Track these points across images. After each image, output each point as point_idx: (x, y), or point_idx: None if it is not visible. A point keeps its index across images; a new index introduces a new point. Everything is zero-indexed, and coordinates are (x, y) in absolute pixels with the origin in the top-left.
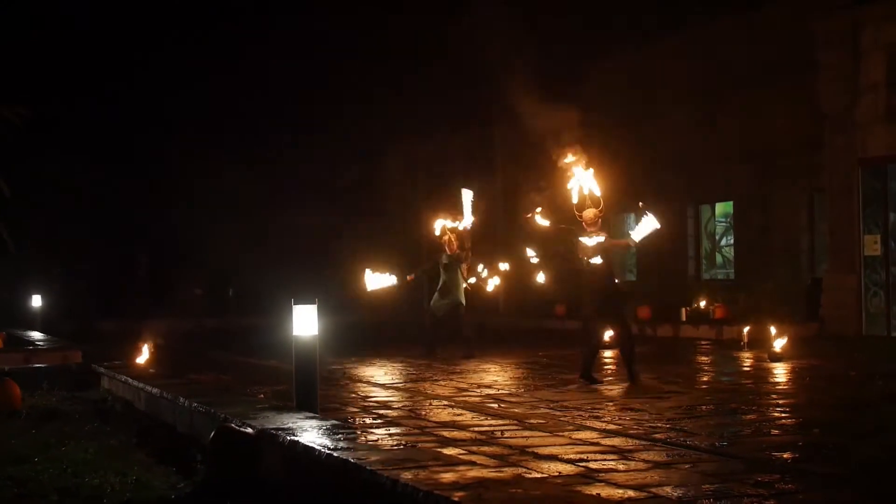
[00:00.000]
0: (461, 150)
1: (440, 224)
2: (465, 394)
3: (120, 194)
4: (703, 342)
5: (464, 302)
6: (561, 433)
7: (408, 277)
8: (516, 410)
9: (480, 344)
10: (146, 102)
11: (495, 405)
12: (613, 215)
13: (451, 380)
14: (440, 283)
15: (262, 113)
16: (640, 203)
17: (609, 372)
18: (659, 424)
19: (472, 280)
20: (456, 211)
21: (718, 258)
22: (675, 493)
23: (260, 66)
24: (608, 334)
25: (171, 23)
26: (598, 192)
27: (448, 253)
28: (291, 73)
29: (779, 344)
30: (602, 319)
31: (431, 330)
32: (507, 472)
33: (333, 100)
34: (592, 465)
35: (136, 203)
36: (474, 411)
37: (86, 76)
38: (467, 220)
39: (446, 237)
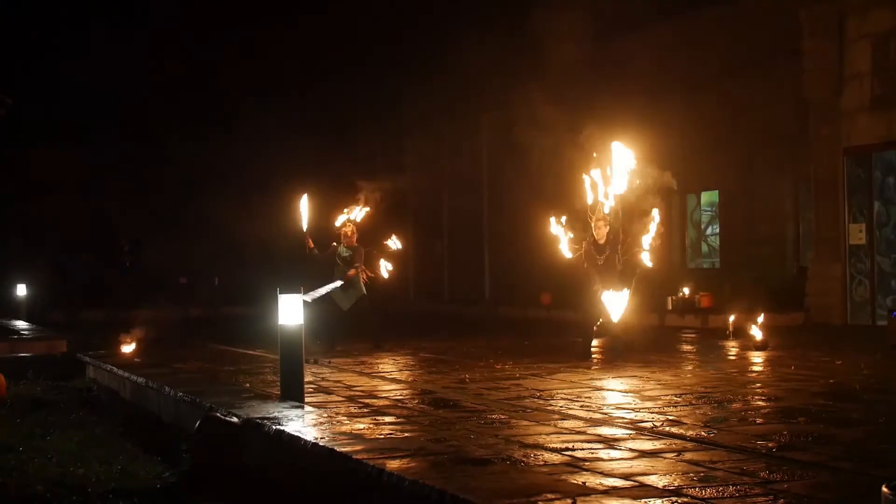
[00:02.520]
0: (447, 138)
1: (342, 217)
2: (450, 383)
3: (105, 183)
4: (688, 331)
5: (365, 292)
6: (546, 422)
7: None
8: (502, 399)
9: (467, 333)
10: (129, 85)
11: (481, 394)
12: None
13: (436, 369)
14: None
15: (246, 96)
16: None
17: (595, 360)
18: (645, 413)
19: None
20: (358, 201)
21: (704, 247)
22: (661, 482)
23: (247, 48)
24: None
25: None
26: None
27: (346, 245)
28: (278, 59)
29: (763, 333)
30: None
31: (337, 325)
32: (493, 461)
33: (322, 81)
34: (578, 453)
35: (120, 191)
36: (460, 400)
37: (65, 63)
38: (359, 213)
39: (347, 229)
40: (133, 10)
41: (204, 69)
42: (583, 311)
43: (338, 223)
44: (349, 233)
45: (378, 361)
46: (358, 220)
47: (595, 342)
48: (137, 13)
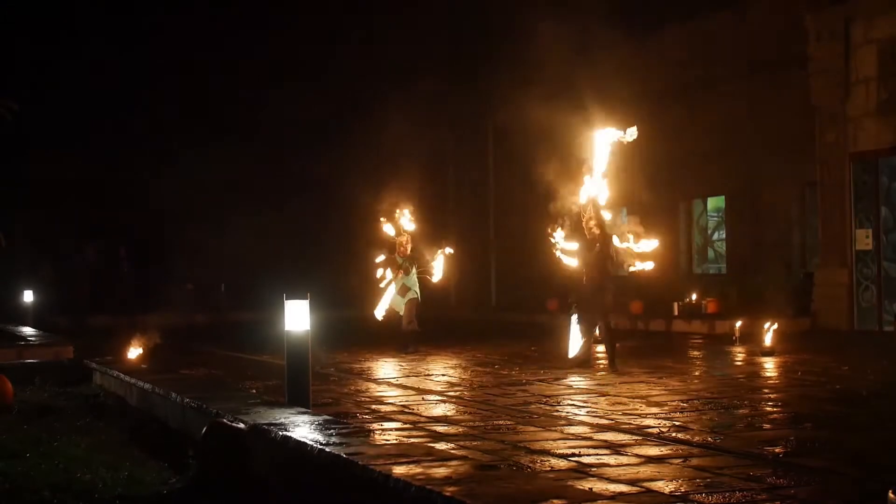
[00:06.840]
0: (453, 142)
1: (400, 225)
2: (457, 389)
3: (108, 187)
4: (695, 337)
5: (418, 296)
6: (553, 428)
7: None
8: (508, 405)
9: (473, 339)
10: (133, 89)
11: (487, 400)
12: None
13: (444, 375)
14: (398, 283)
15: (250, 102)
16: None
17: (601, 367)
18: (651, 419)
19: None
20: (410, 211)
21: (710, 253)
22: (668, 488)
23: (248, 52)
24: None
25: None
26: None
27: (402, 254)
28: (280, 65)
29: (770, 338)
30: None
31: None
32: (500, 467)
33: (324, 86)
34: (585, 459)
35: (125, 196)
36: (466, 406)
37: (67, 66)
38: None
39: (403, 238)
40: (134, 11)
41: (202, 73)
42: (579, 314)
43: (394, 233)
44: (404, 242)
45: (384, 367)
46: (412, 229)
47: (600, 347)
48: (139, 15)
